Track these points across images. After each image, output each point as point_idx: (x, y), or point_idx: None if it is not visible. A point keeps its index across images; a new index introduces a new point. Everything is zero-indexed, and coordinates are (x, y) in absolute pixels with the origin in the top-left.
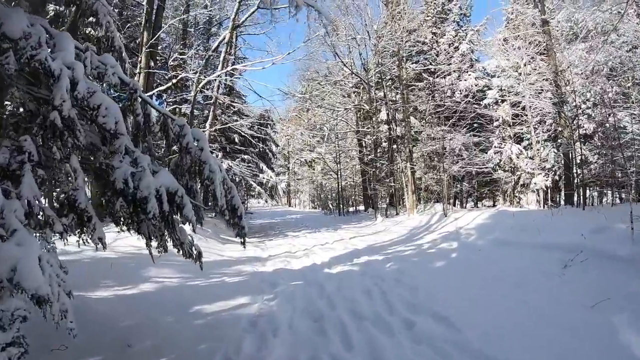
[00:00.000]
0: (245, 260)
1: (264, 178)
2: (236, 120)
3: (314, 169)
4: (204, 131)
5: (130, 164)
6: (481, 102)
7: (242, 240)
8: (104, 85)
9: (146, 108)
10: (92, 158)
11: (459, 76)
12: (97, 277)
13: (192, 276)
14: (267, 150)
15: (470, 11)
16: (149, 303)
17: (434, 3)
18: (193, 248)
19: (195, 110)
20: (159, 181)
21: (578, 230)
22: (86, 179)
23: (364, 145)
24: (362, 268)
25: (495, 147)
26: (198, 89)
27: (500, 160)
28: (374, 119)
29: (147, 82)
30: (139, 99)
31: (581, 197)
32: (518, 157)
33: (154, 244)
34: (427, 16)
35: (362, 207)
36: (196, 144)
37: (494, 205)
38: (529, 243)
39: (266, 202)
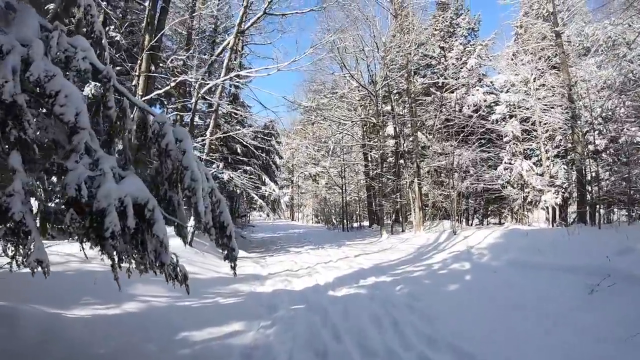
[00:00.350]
0: (243, 279)
1: (266, 191)
2: (239, 130)
3: (318, 183)
4: (203, 140)
5: (90, 166)
6: (489, 118)
7: (233, 265)
8: (72, 71)
9: (122, 101)
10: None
11: (467, 91)
12: (79, 292)
13: (182, 295)
14: (271, 162)
15: (479, 26)
16: (131, 326)
17: (442, 17)
18: (178, 269)
19: (197, 119)
20: (123, 190)
21: (600, 251)
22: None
23: (369, 159)
24: (369, 291)
25: (505, 162)
26: (200, 95)
27: (511, 177)
28: (380, 132)
29: (146, 85)
30: (112, 89)
31: (596, 215)
32: (528, 174)
33: (130, 264)
34: (435, 30)
35: (366, 223)
36: (178, 145)
37: (500, 223)
38: (548, 264)
39: (268, 216)
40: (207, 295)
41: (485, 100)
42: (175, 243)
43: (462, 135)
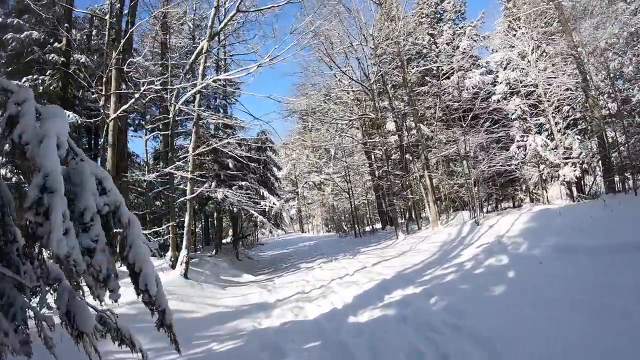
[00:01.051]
0: (245, 311)
1: (265, 205)
2: (229, 144)
3: (323, 191)
4: (186, 157)
5: None
6: (491, 99)
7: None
8: None
9: None
10: None
11: (463, 75)
12: None
13: (167, 346)
14: (269, 175)
15: (465, 8)
16: None
17: (426, 4)
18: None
19: (182, 140)
20: None
21: None
22: None
23: (373, 159)
24: (399, 310)
25: (517, 141)
26: (177, 107)
27: (525, 155)
28: (381, 129)
29: (117, 105)
30: None
31: (631, 182)
32: (543, 149)
33: None
34: (422, 17)
35: (378, 225)
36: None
37: (515, 206)
38: (597, 247)
39: (270, 232)
40: (199, 342)
41: (483, 82)
42: (168, 278)
43: (466, 120)
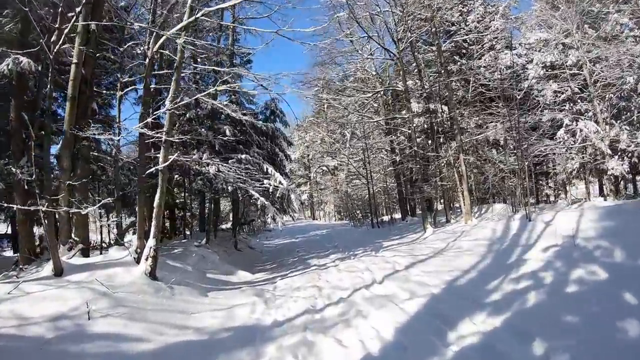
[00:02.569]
0: (225, 344)
1: (270, 184)
2: (226, 105)
3: (337, 177)
4: (164, 111)
5: None
6: (524, 82)
7: None
8: None
9: None
10: None
11: (495, 56)
12: None
13: None
14: (277, 151)
15: None
16: None
17: None
18: None
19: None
20: None
21: None
22: None
23: (395, 143)
24: None
25: (566, 125)
26: (154, 49)
27: (575, 142)
28: (409, 103)
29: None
30: None
31: None
32: (596, 135)
33: None
34: None
35: (397, 215)
36: None
37: (538, 202)
38: None
39: (274, 220)
40: None
41: (517, 64)
42: (125, 278)
43: (499, 103)
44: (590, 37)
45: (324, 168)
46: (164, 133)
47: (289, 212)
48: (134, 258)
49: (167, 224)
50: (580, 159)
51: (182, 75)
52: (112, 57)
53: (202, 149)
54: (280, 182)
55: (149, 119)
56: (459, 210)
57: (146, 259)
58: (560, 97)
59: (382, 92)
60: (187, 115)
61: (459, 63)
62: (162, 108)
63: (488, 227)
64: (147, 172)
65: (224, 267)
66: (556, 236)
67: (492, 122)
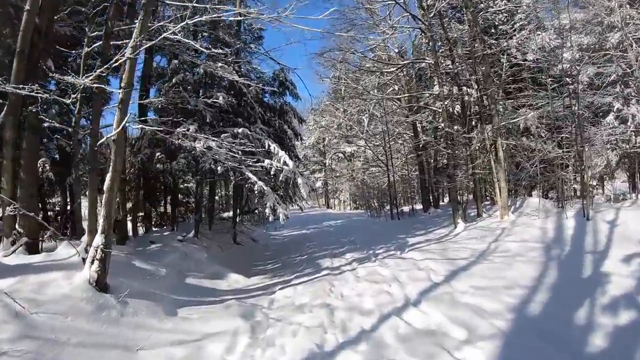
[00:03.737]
0: None
1: (271, 165)
2: (224, 64)
3: (353, 164)
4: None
5: None
6: (557, 66)
7: None
8: None
9: None
10: None
11: (527, 35)
12: None
13: None
14: (286, 128)
15: None
16: None
17: None
18: None
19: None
20: None
21: None
22: None
23: (420, 125)
24: None
25: (618, 110)
26: None
27: (627, 128)
28: (441, 78)
29: None
30: None
31: None
32: None
33: None
34: None
35: (418, 206)
36: None
37: (557, 198)
38: None
39: (273, 210)
40: None
41: (550, 46)
42: (61, 289)
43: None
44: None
45: (340, 155)
46: (120, 89)
47: (295, 200)
48: (83, 259)
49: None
50: (629, 148)
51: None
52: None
53: (190, 121)
54: (285, 163)
55: (98, 71)
56: (487, 203)
57: (91, 263)
58: (604, 80)
59: (404, 71)
60: (173, 80)
61: (488, 43)
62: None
63: (535, 225)
64: (99, 142)
65: (212, 268)
66: (632, 241)
67: (526, 105)
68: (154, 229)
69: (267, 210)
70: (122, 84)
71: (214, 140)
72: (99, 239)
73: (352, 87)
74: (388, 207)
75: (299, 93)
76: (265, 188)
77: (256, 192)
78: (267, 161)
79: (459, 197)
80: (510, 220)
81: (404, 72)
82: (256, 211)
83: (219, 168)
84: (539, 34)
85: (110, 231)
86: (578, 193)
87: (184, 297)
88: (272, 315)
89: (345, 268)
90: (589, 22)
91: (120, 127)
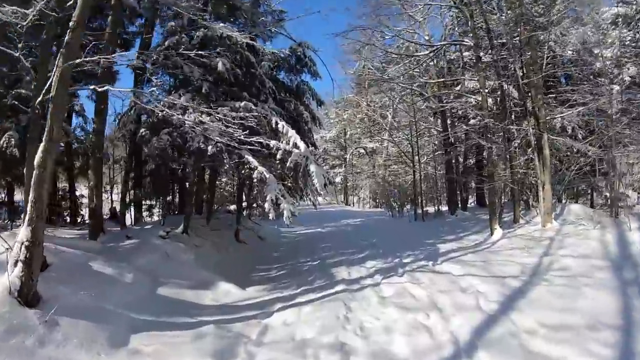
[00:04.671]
0: None
1: (277, 147)
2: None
3: (374, 160)
4: None
5: None
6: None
7: None
8: None
9: None
10: None
11: (567, 28)
12: None
13: None
14: (302, 110)
15: None
16: None
17: None
18: None
19: None
20: None
21: None
22: None
23: (448, 121)
24: None
25: None
26: None
27: None
28: (480, 61)
29: None
30: None
31: None
32: None
33: None
34: None
35: (442, 208)
36: None
37: (591, 205)
38: None
39: (275, 204)
40: None
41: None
42: None
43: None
44: None
45: (361, 150)
46: (70, 32)
47: (306, 194)
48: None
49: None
50: None
51: None
52: None
53: (182, 91)
54: (295, 145)
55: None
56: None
57: (14, 265)
58: None
59: (434, 61)
60: (166, 44)
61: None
62: None
63: (590, 236)
64: (37, 100)
65: (199, 275)
66: None
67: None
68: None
69: (266, 205)
70: (70, 24)
71: (207, 114)
72: (25, 233)
73: (377, 77)
74: (409, 207)
75: (319, 71)
76: (267, 175)
77: (255, 179)
78: (272, 142)
79: (500, 200)
80: (555, 228)
81: (434, 62)
82: (254, 205)
83: (209, 148)
84: (578, 28)
85: (41, 222)
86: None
87: (147, 317)
88: (259, 357)
89: (366, 282)
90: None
91: (59, 80)
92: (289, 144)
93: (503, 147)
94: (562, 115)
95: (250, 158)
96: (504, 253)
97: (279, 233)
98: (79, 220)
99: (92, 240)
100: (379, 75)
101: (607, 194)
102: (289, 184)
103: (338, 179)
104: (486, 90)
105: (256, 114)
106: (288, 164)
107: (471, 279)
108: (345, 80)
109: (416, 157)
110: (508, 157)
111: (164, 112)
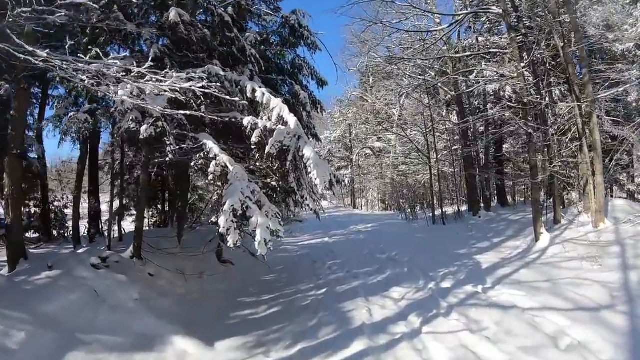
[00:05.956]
0: None
1: (254, 124)
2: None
3: (382, 161)
4: None
5: None
6: None
7: None
8: None
9: None
10: None
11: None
12: None
13: None
14: (298, 89)
15: None
16: None
17: None
18: None
19: None
20: None
21: None
22: None
23: (470, 104)
24: None
25: None
26: None
27: None
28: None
29: None
30: None
31: None
32: None
33: None
34: None
35: (456, 207)
36: None
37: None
38: None
39: (243, 216)
40: None
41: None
42: None
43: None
44: None
45: (368, 151)
46: None
47: (302, 197)
48: None
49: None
50: None
51: None
52: None
53: (124, 54)
54: (281, 119)
55: None
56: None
57: None
58: None
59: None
60: None
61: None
62: None
63: None
64: None
65: (141, 325)
66: None
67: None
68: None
69: (221, 220)
70: None
71: (149, 82)
72: None
73: (387, 59)
74: (419, 209)
75: (318, 42)
76: (230, 167)
77: (210, 175)
78: (246, 119)
79: (500, 195)
80: (610, 229)
81: (448, 46)
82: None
83: (144, 127)
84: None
85: None
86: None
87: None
88: None
89: (398, 330)
90: None
91: None
92: (270, 119)
93: (541, 134)
94: (610, 93)
95: (210, 143)
96: (566, 266)
97: (277, 245)
98: (55, 234)
99: (10, 269)
100: (389, 55)
101: None
102: (274, 183)
103: (346, 180)
104: (522, 65)
105: (219, 75)
106: (268, 149)
107: (552, 316)
108: (347, 76)
109: (434, 152)
110: (546, 145)
111: (85, 82)
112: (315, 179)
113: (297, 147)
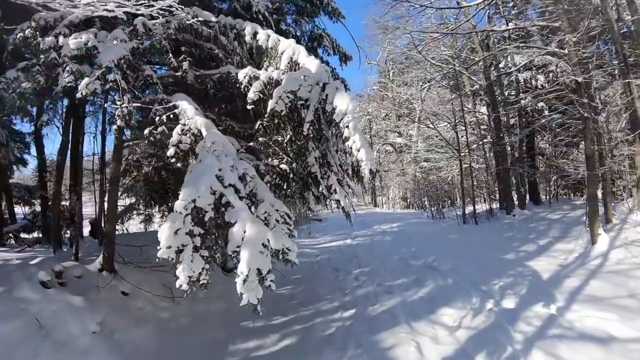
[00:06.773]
0: None
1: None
2: None
3: (403, 157)
4: None
5: None
6: None
7: None
8: None
9: None
10: None
11: None
12: None
13: None
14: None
15: None
16: None
17: None
18: None
19: None
20: None
21: None
22: None
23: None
24: None
25: None
26: None
27: None
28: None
29: None
30: None
31: None
32: None
33: None
34: None
35: (488, 205)
36: None
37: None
38: None
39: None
40: None
41: None
42: None
43: None
44: None
45: (388, 147)
46: None
47: (329, 188)
48: None
49: None
50: None
51: None
52: None
53: None
54: (297, 66)
55: None
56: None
57: None
58: None
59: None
60: None
61: None
62: None
63: None
64: None
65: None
66: None
67: None
68: None
69: (163, 233)
70: None
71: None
72: None
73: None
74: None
75: (340, 9)
76: (205, 131)
77: (172, 149)
78: (242, 72)
79: (519, 190)
80: None
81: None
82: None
83: (84, 81)
84: None
85: None
86: None
87: None
88: None
89: None
90: None
91: None
92: (279, 67)
93: (590, 120)
94: None
95: (185, 104)
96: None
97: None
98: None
99: None
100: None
101: None
102: (284, 166)
103: (373, 166)
104: (574, 38)
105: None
106: (272, 104)
107: None
108: (367, 69)
109: (467, 143)
110: (597, 133)
111: None
112: (358, 150)
113: (321, 101)
